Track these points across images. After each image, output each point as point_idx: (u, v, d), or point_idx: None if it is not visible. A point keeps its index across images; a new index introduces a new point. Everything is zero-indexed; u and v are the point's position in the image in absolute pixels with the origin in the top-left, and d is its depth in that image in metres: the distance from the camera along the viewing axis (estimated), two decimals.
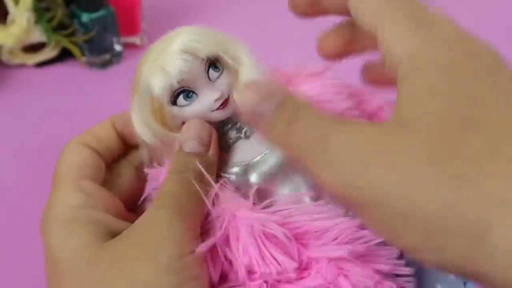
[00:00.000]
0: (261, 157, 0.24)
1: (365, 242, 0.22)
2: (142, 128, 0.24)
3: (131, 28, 0.52)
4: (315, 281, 0.22)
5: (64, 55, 0.50)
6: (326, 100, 0.25)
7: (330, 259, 0.22)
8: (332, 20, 0.25)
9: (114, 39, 0.50)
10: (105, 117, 0.26)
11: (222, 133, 0.25)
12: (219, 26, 0.26)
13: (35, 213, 0.24)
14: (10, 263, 0.33)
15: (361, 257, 0.22)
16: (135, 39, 0.53)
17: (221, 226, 0.22)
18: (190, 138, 0.23)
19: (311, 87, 0.25)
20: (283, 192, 0.24)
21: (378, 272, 0.22)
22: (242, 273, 0.21)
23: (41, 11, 0.47)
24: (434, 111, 0.17)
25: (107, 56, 0.50)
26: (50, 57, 0.50)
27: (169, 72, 0.22)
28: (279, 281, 0.22)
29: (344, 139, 0.17)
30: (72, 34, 0.49)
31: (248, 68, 0.24)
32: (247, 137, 0.25)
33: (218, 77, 0.24)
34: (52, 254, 0.21)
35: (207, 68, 0.23)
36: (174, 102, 0.23)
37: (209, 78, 0.23)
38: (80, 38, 0.48)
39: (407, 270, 0.23)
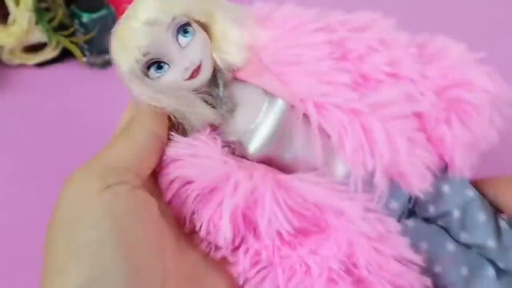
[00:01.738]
0: (254, 125, 0.23)
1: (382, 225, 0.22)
2: (149, 97, 0.22)
3: None
4: (331, 249, 0.22)
5: (65, 55, 0.50)
6: (303, 62, 0.23)
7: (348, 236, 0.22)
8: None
9: None
10: (106, 117, 0.26)
11: (211, 103, 0.23)
12: None
13: (35, 212, 0.24)
14: (10, 263, 0.33)
15: (377, 239, 0.22)
16: None
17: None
18: None
19: (283, 37, 0.24)
20: (285, 157, 0.23)
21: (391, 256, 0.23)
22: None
23: (41, 11, 0.47)
24: None
25: (107, 56, 0.50)
26: (51, 57, 0.50)
27: (129, 49, 0.21)
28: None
29: None
30: (73, 34, 0.49)
31: (222, 24, 0.23)
32: (234, 106, 0.23)
33: (189, 43, 0.22)
34: None
35: (175, 34, 0.22)
36: (147, 75, 0.22)
37: (180, 45, 0.22)
38: (80, 38, 0.48)
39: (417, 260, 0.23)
